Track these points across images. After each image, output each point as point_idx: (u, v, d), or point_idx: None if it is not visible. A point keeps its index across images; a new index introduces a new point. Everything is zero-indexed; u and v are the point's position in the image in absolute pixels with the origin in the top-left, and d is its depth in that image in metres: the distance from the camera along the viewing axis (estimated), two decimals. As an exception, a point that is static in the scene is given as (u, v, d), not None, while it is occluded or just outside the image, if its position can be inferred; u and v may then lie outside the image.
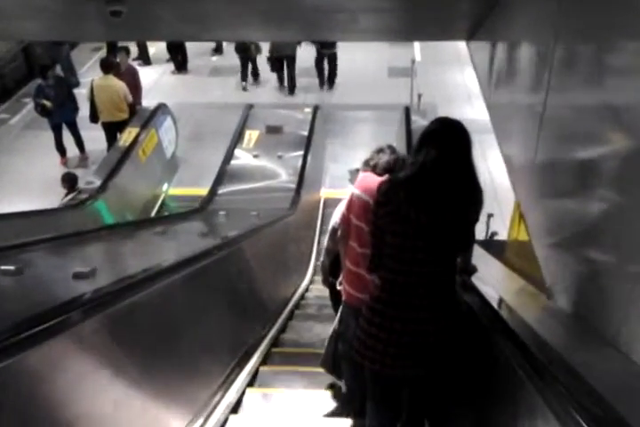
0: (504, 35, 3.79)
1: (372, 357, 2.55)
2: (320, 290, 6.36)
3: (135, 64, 13.35)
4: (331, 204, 8.58)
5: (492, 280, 3.46)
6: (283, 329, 5.28)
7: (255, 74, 12.73)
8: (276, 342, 4.97)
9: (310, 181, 7.59)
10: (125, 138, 8.27)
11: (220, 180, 7.37)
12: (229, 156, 7.80)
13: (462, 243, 2.58)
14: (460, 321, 2.57)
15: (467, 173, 2.54)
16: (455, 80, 12.44)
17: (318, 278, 6.62)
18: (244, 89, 12.34)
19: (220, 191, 7.18)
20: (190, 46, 13.57)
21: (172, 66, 13.20)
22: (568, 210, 2.55)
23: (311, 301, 5.82)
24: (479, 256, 4.30)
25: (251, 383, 4.15)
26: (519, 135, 3.21)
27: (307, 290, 6.17)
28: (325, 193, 8.96)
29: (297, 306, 5.87)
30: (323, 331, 5.00)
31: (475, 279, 2.87)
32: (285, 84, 12.23)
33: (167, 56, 13.31)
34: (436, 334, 2.48)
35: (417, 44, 14.11)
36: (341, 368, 3.37)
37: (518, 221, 4.28)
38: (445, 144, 2.48)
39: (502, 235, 7.20)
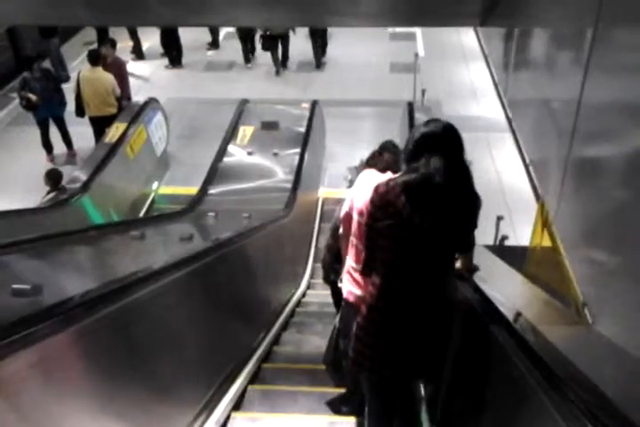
0: (526, 19, 3.35)
1: (370, 367, 2.57)
2: (317, 297, 5.92)
3: (128, 58, 12.98)
4: (329, 204, 8.14)
5: (507, 291, 3.04)
6: (276, 341, 4.85)
7: (252, 51, 12.98)
8: (267, 357, 4.54)
9: (307, 181, 7.14)
10: (112, 134, 7.81)
11: (211, 178, 6.92)
12: (222, 153, 7.35)
13: (462, 247, 2.61)
14: (451, 318, 2.56)
15: (465, 179, 2.52)
16: (460, 76, 12.00)
17: (316, 282, 6.18)
18: (248, 64, 12.76)
19: (210, 191, 6.72)
20: (186, 41, 13.14)
21: (166, 60, 12.76)
22: (613, 218, 2.11)
23: (308, 308, 5.37)
24: (490, 263, 3.87)
25: (237, 406, 3.73)
26: (548, 131, 2.75)
27: (303, 296, 5.72)
28: (324, 193, 8.51)
29: (292, 315, 5.44)
30: (321, 343, 4.57)
31: (487, 289, 2.53)
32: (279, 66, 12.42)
33: (162, 50, 12.87)
34: (433, 337, 2.50)
35: (420, 39, 13.68)
36: (342, 365, 3.38)
37: (542, 227, 3.80)
38: (449, 150, 2.46)
39: (513, 239, 6.78)
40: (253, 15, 4.45)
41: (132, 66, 12.80)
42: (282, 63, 12.44)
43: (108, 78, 8.52)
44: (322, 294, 6.10)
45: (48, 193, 6.84)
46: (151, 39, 13.17)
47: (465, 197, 2.48)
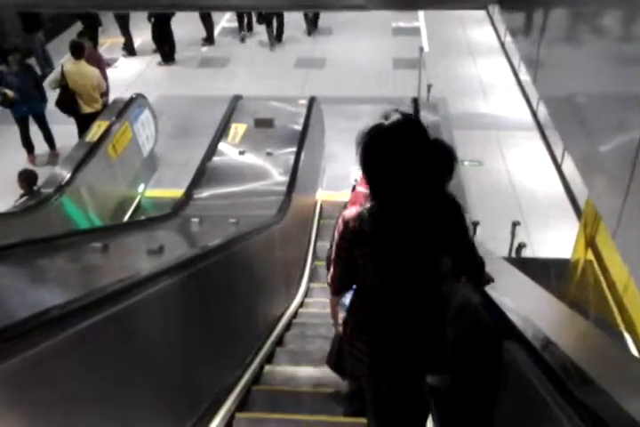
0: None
1: (368, 376, 2.45)
2: (315, 305, 5.32)
3: (119, 55, 12.44)
4: (328, 208, 7.54)
5: (534, 315, 2.44)
6: (269, 359, 4.27)
7: (249, 28, 13.51)
8: (258, 379, 3.96)
9: (304, 182, 6.54)
10: (93, 132, 7.23)
11: (197, 180, 6.31)
12: (211, 152, 6.75)
13: (474, 271, 2.37)
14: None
15: (440, 188, 2.17)
16: (467, 72, 11.40)
17: (311, 301, 5.58)
18: (243, 40, 13.24)
19: (196, 194, 6.12)
20: (180, 37, 12.58)
21: (158, 57, 12.18)
22: None
23: (300, 330, 4.76)
24: (512, 279, 3.29)
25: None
26: (607, 126, 2.14)
27: (295, 315, 5.12)
28: (322, 196, 7.91)
29: (280, 340, 4.83)
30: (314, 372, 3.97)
31: (507, 311, 2.22)
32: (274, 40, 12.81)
33: (154, 47, 12.30)
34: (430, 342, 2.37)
35: (424, 34, 13.10)
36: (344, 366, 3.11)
37: (585, 243, 3.16)
38: (413, 163, 2.05)
39: (529, 247, 6.17)
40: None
41: (123, 62, 12.27)
42: (277, 37, 12.85)
43: (93, 72, 7.96)
44: (320, 302, 5.50)
45: (22, 196, 6.29)
46: (143, 35, 12.62)
47: (446, 210, 2.17)
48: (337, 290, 2.50)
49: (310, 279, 5.88)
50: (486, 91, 10.61)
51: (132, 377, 2.33)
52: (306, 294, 5.61)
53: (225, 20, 14.58)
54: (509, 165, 8.44)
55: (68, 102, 7.87)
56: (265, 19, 12.47)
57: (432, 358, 2.41)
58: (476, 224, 5.58)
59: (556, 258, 5.36)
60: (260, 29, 13.22)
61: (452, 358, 2.49)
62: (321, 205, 7.61)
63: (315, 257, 6.22)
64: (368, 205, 2.20)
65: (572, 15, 2.51)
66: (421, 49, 10.04)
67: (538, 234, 6.97)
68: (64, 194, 6.19)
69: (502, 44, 11.59)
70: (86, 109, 7.94)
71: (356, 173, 6.22)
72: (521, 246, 5.32)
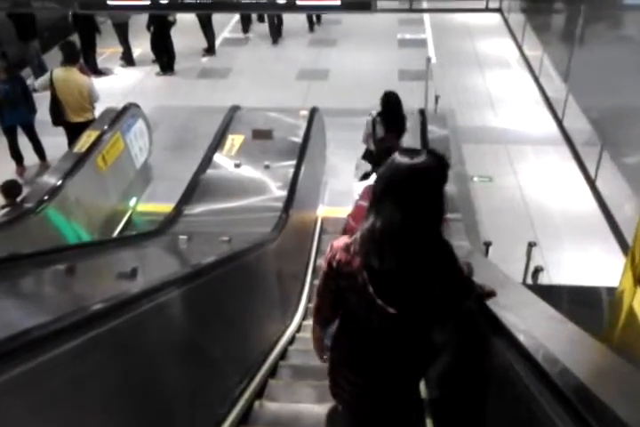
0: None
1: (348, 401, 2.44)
2: (309, 342, 4.85)
3: (117, 65, 12.13)
4: (330, 224, 7.12)
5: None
6: (260, 393, 3.82)
7: (246, 28, 14.04)
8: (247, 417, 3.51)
9: (304, 197, 6.13)
10: (82, 143, 6.84)
11: (189, 194, 5.90)
12: (205, 165, 6.35)
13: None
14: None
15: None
16: (475, 84, 11.03)
17: (309, 324, 5.12)
18: (247, 38, 13.75)
19: (187, 209, 5.70)
20: (180, 47, 12.28)
21: (157, 67, 11.85)
22: None
23: (296, 360, 4.31)
24: (534, 310, 2.85)
25: None
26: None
27: (292, 341, 4.67)
28: (324, 211, 7.49)
29: (282, 357, 4.39)
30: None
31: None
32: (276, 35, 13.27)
33: (153, 57, 11.97)
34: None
35: (431, 46, 12.77)
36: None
37: (635, 279, 2.70)
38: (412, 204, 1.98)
39: (546, 271, 5.71)
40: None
41: (121, 72, 11.95)
42: (277, 31, 13.36)
43: (84, 80, 7.60)
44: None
45: (2, 207, 5.91)
46: (143, 45, 12.30)
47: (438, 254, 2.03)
48: (319, 321, 2.42)
49: (309, 300, 5.43)
50: (495, 104, 10.23)
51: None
52: (304, 317, 5.16)
53: (227, 31, 14.29)
54: (521, 180, 8.01)
55: (55, 111, 7.50)
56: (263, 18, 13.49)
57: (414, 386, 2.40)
58: (488, 245, 5.15)
59: (584, 286, 4.90)
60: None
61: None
62: (322, 222, 7.18)
63: (314, 276, 5.77)
64: (358, 234, 2.07)
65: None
66: (429, 59, 9.67)
67: (552, 255, 6.52)
68: (48, 206, 5.81)
69: (521, 51, 11.20)
70: (74, 119, 7.57)
71: (358, 186, 5.72)
72: (538, 270, 4.88)
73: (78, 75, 7.50)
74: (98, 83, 11.33)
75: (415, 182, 1.93)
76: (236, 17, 15.35)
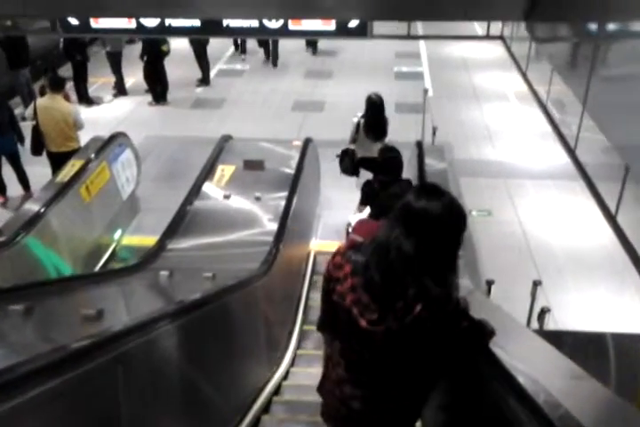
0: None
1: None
2: (297, 389, 4.48)
3: (110, 94, 11.96)
4: (323, 260, 6.80)
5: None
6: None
7: (243, 49, 14.65)
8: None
9: (295, 231, 5.83)
10: (65, 172, 6.57)
11: (174, 227, 5.58)
12: (192, 196, 6.06)
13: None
14: None
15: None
16: (472, 117, 10.87)
17: (297, 371, 4.77)
18: (243, 60, 14.37)
19: (171, 242, 5.38)
20: (174, 77, 12.13)
21: (149, 97, 11.67)
22: None
23: (282, 415, 3.94)
24: (547, 359, 2.55)
25: None
26: None
27: (278, 390, 4.30)
28: (317, 245, 7.19)
29: (266, 408, 4.03)
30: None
31: None
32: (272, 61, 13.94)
33: (146, 87, 11.80)
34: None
35: (428, 78, 12.67)
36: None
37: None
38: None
39: (553, 313, 5.37)
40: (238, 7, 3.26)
41: (113, 102, 11.76)
42: (274, 54, 13.88)
43: (69, 107, 7.38)
44: (309, 374, 4.69)
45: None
46: (136, 75, 12.14)
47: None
48: (322, 326, 2.28)
49: (298, 345, 5.07)
50: (493, 137, 10.04)
51: None
52: (292, 363, 4.80)
53: (222, 62, 14.20)
54: (521, 215, 7.75)
55: (35, 140, 7.27)
56: (262, 41, 14.01)
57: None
58: (490, 283, 4.84)
59: (588, 332, 4.60)
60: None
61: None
62: (315, 257, 6.87)
63: (305, 318, 5.43)
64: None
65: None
66: (426, 91, 9.51)
67: (556, 295, 6.21)
68: (26, 237, 5.49)
69: (525, 78, 11.05)
70: (57, 148, 7.33)
71: (352, 218, 5.40)
72: (544, 311, 4.55)
73: (63, 102, 7.29)
74: (88, 112, 11.22)
75: (429, 228, 1.86)
76: (232, 48, 15.32)
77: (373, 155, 6.74)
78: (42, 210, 5.83)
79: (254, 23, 5.16)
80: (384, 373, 2.07)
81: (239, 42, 14.72)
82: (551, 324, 5.16)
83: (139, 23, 5.23)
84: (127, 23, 5.30)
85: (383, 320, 1.91)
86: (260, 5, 3.14)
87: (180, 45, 13.93)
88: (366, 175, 6.60)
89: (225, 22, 5.17)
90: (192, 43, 12.34)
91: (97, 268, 6.74)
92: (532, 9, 2.92)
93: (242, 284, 4.11)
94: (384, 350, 1.99)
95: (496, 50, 15.07)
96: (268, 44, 13.89)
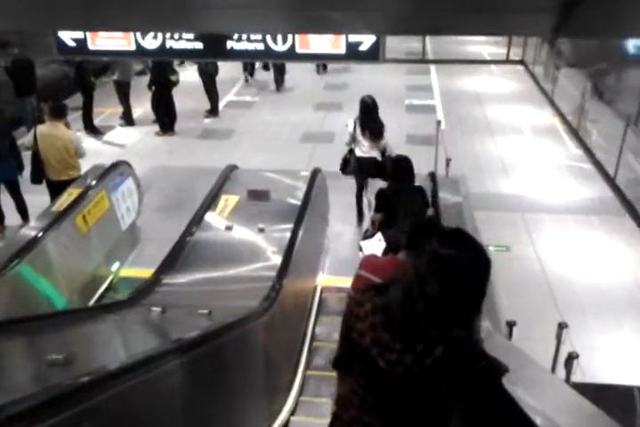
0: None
1: None
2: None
3: (117, 124, 11.81)
4: (331, 296, 6.43)
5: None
6: None
7: (252, 72, 15.31)
8: None
9: (301, 264, 5.48)
10: (62, 201, 6.29)
11: (172, 259, 5.24)
12: (192, 227, 5.74)
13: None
14: None
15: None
16: (486, 149, 10.58)
17: (299, 420, 4.35)
18: (247, 80, 15.05)
19: (168, 276, 5.03)
20: (182, 108, 12.00)
21: (157, 127, 11.50)
22: None
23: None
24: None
25: None
26: None
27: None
28: (324, 280, 6.81)
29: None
30: None
31: None
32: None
33: (153, 117, 11.65)
34: None
35: (440, 111, 12.46)
36: None
37: None
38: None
39: (581, 360, 4.92)
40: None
41: (119, 131, 11.60)
42: (277, 85, 14.45)
43: (70, 134, 7.15)
44: (311, 424, 4.29)
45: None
46: (144, 106, 12.00)
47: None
48: (338, 364, 2.26)
49: (301, 392, 4.66)
50: (508, 170, 9.73)
51: None
52: (293, 412, 4.38)
53: (232, 94, 14.10)
54: (540, 251, 7.36)
55: (35, 168, 7.03)
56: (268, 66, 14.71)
57: None
58: (511, 325, 4.44)
59: (614, 385, 4.19)
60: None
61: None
62: (321, 293, 6.49)
63: (309, 361, 5.03)
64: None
65: None
66: (439, 122, 9.27)
67: (579, 336, 5.77)
68: (18, 265, 5.20)
69: (552, 103, 10.79)
70: (58, 177, 7.08)
71: (365, 245, 5.07)
72: (572, 357, 4.14)
73: (64, 130, 7.06)
74: (93, 141, 11.05)
75: (455, 276, 1.85)
76: (242, 80, 15.26)
77: (371, 155, 7.44)
78: (35, 238, 5.55)
79: (259, 46, 4.94)
80: (399, 413, 2.02)
81: (248, 69, 15.22)
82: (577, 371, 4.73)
83: (138, 45, 5.02)
84: (127, 45, 5.09)
85: (402, 361, 1.89)
86: (267, 19, 2.88)
87: (189, 77, 13.88)
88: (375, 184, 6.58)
89: (229, 45, 4.95)
90: (201, 74, 12.24)
91: (93, 300, 6.41)
92: (563, 24, 2.62)
93: (239, 322, 3.76)
94: (401, 390, 1.96)
95: (509, 84, 14.96)
96: (277, 68, 14.32)
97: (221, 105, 12.99)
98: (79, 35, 5.02)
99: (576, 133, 10.32)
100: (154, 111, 11.42)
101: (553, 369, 4.60)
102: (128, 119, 11.78)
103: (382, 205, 5.65)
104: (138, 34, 4.98)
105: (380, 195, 5.82)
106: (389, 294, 1.96)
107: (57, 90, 12.06)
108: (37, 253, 5.53)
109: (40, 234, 5.67)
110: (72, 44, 5.07)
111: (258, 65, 15.55)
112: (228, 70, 15.51)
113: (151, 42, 5.01)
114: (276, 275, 4.75)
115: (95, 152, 9.64)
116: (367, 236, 5.66)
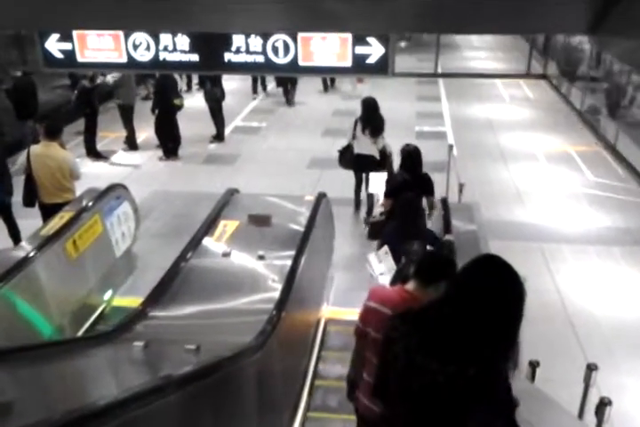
0: None
1: None
2: None
3: (120, 148, 11.55)
4: (336, 330, 5.99)
5: None
6: None
7: (264, 88, 16.20)
8: None
9: (303, 295, 5.06)
10: (52, 225, 5.95)
11: (162, 289, 4.82)
12: (186, 254, 5.35)
13: None
14: None
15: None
16: (499, 177, 10.22)
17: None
18: (254, 98, 15.62)
19: (158, 306, 4.62)
20: (187, 133, 11.77)
21: (160, 152, 11.23)
22: None
23: None
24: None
25: None
26: None
27: None
28: (329, 312, 6.37)
29: None
30: None
31: None
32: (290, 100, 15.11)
33: (157, 142, 11.38)
34: None
35: (451, 137, 12.13)
36: None
37: None
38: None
39: (617, 409, 4.42)
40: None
41: (122, 156, 11.34)
42: (288, 100, 15.06)
43: (65, 155, 6.84)
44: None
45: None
46: (149, 130, 11.75)
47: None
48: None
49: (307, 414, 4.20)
50: (523, 198, 9.33)
51: None
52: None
53: (239, 119, 13.87)
54: (559, 283, 6.92)
55: (27, 190, 6.71)
56: (281, 82, 14.96)
57: None
58: (535, 365, 4.00)
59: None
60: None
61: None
62: (325, 326, 6.05)
63: (310, 402, 4.57)
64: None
65: None
66: (451, 146, 8.93)
67: (606, 378, 5.27)
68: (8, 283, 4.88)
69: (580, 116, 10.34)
70: (51, 199, 6.75)
71: (372, 259, 4.78)
72: (604, 403, 3.66)
73: (59, 150, 6.76)
74: (95, 166, 10.78)
75: (488, 305, 1.95)
76: (251, 106, 15.05)
77: (370, 152, 8.10)
78: (20, 263, 5.21)
79: (259, 58, 4.61)
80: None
81: (259, 83, 15.88)
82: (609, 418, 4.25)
83: (130, 57, 4.70)
84: (117, 57, 4.78)
85: (436, 383, 1.96)
86: (267, 17, 2.56)
87: (196, 102, 13.68)
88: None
89: (226, 57, 4.63)
90: (207, 99, 12.03)
91: (83, 329, 6.01)
92: (601, 20, 2.26)
93: (230, 360, 3.34)
94: (431, 410, 2.03)
95: (522, 111, 14.66)
96: (287, 84, 14.75)
97: (228, 130, 12.74)
98: (67, 46, 4.73)
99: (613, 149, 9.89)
100: (157, 136, 11.17)
101: (580, 415, 4.13)
102: (131, 144, 11.53)
103: (392, 192, 5.92)
104: (129, 45, 4.67)
105: (391, 181, 6.17)
106: (421, 319, 2.06)
107: (61, 114, 11.86)
108: (22, 278, 5.19)
109: (26, 258, 5.33)
110: (59, 55, 4.77)
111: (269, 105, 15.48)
112: (234, 97, 15.37)
113: (143, 53, 4.70)
114: (275, 306, 4.33)
115: (96, 176, 9.35)
116: (373, 223, 6.21)
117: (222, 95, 12.01)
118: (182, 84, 15.90)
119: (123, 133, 11.68)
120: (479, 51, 23.83)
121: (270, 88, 16.32)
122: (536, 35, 6.65)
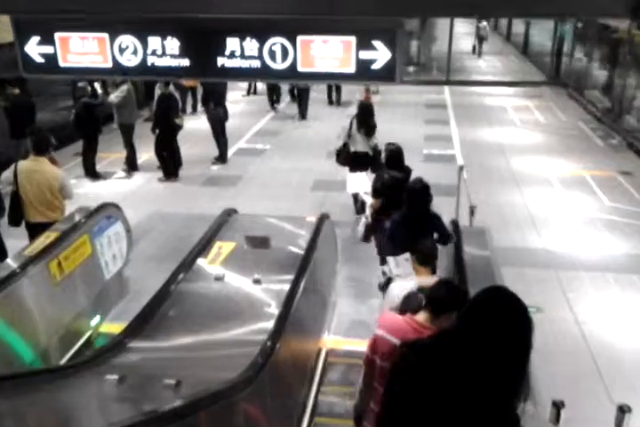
0: None
1: None
2: None
3: (119, 169, 11.24)
4: (338, 362, 5.51)
5: None
6: None
7: (277, 101, 16.66)
8: None
9: (301, 323, 4.64)
10: (37, 244, 5.58)
11: (146, 316, 4.41)
12: (176, 277, 4.95)
13: None
14: None
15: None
16: (512, 202, 9.80)
17: None
18: (274, 110, 16.42)
19: (140, 335, 4.20)
20: (189, 155, 11.47)
21: (161, 173, 10.91)
22: None
23: None
24: None
25: None
26: None
27: None
28: (330, 342, 5.91)
29: None
30: None
31: None
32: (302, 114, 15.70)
33: (158, 163, 11.07)
34: None
35: (460, 161, 11.75)
36: None
37: None
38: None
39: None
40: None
41: (121, 177, 11.01)
42: (301, 114, 15.62)
43: (55, 172, 6.47)
44: None
45: None
46: (150, 151, 11.44)
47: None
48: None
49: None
50: (537, 223, 8.90)
51: None
52: None
53: (243, 141, 13.58)
54: (578, 313, 6.45)
55: (13, 208, 6.35)
56: (296, 97, 15.91)
57: None
58: (559, 406, 3.55)
59: None
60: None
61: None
62: (326, 357, 5.59)
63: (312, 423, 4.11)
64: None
65: None
66: (461, 167, 8.55)
67: (633, 419, 4.81)
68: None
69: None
70: (37, 218, 6.38)
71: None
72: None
73: (48, 166, 6.40)
74: (93, 186, 10.47)
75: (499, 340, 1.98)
76: (255, 128, 14.77)
77: (364, 150, 8.60)
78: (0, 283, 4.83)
79: (255, 63, 4.27)
80: None
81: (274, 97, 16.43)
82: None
83: (115, 61, 4.36)
84: (102, 62, 4.43)
85: (451, 411, 1.96)
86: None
87: (200, 124, 13.42)
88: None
89: (219, 62, 4.29)
90: (210, 120, 11.77)
91: (67, 357, 5.57)
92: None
93: (213, 397, 2.91)
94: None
95: (534, 135, 14.32)
96: (302, 96, 15.53)
97: (231, 152, 12.43)
98: (49, 50, 4.40)
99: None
100: (157, 156, 10.86)
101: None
102: (131, 164, 11.21)
103: (379, 191, 6.13)
104: (115, 49, 4.33)
105: (377, 181, 6.24)
106: (431, 350, 2.06)
107: (59, 133, 11.59)
108: (2, 299, 4.81)
109: (7, 278, 4.96)
110: (40, 60, 4.44)
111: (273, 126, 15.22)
112: (240, 118, 15.14)
113: (130, 58, 4.36)
114: (268, 337, 3.91)
115: (94, 197, 9.02)
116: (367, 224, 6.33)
117: (225, 116, 11.75)
118: (188, 106, 15.72)
119: (123, 154, 11.39)
120: (486, 75, 23.65)
121: (281, 106, 16.69)
122: (570, 18, 6.36)
